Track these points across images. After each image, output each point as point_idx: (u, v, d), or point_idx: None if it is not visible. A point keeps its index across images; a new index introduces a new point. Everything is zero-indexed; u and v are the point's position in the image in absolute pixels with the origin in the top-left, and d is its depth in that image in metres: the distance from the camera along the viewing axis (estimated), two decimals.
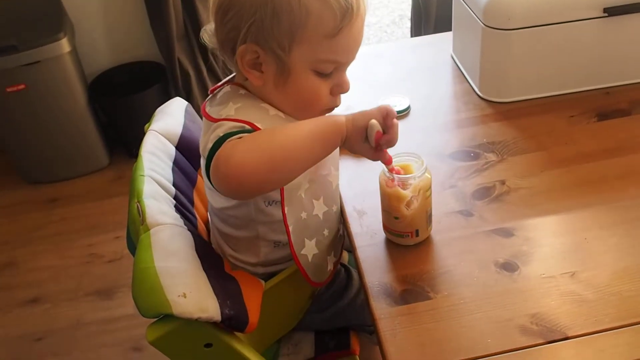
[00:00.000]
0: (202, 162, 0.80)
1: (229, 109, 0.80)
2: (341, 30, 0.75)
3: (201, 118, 0.85)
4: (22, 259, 1.96)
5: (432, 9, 1.95)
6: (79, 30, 2.14)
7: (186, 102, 1.07)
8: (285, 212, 0.83)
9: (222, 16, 0.78)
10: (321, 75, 0.79)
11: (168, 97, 2.34)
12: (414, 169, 0.83)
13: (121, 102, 2.15)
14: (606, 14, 1.06)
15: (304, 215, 0.85)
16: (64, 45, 1.95)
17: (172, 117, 1.02)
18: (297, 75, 0.78)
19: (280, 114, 0.82)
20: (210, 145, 0.75)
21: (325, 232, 0.90)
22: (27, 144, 2.13)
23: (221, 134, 0.75)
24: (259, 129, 0.77)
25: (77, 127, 2.13)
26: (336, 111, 1.02)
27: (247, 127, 0.77)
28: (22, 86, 1.96)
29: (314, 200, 0.87)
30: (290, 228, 0.84)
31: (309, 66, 0.78)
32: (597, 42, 1.10)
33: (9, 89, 1.95)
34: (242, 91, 0.83)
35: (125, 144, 2.29)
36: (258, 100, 0.82)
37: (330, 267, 0.93)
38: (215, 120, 0.79)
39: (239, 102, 0.81)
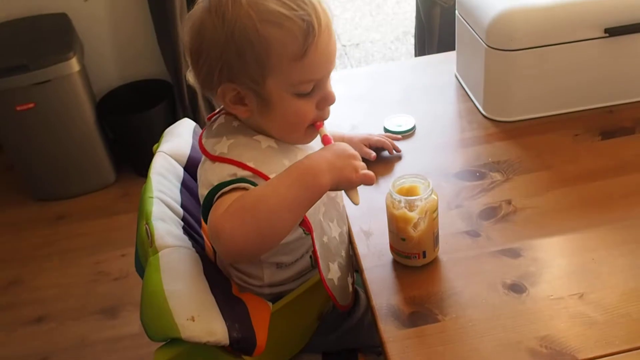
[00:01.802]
0: (200, 198, 0.81)
1: (222, 144, 0.81)
2: (308, 50, 0.75)
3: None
4: (28, 276, 1.97)
5: (435, 27, 1.97)
6: (88, 49, 2.17)
7: (194, 123, 1.08)
8: (314, 238, 0.83)
9: (194, 62, 0.80)
10: (303, 95, 0.79)
11: (175, 115, 2.36)
12: (420, 191, 0.83)
13: (128, 120, 2.16)
14: (607, 34, 1.07)
15: (325, 239, 0.86)
16: (74, 64, 1.97)
17: (180, 138, 1.03)
18: (278, 102, 0.79)
19: (273, 144, 0.83)
20: (205, 192, 0.78)
21: (343, 253, 0.91)
22: (35, 161, 2.15)
23: (215, 183, 0.77)
24: (250, 168, 0.78)
25: (84, 144, 2.15)
26: (340, 128, 1.03)
27: (239, 172, 0.78)
28: (32, 105, 1.98)
29: (329, 223, 0.88)
30: (319, 254, 0.84)
31: (288, 91, 0.78)
32: (599, 61, 1.11)
33: (19, 108, 1.97)
34: (235, 122, 0.84)
35: (132, 161, 2.31)
36: (250, 132, 0.83)
37: (350, 288, 0.93)
38: (210, 156, 0.81)
39: (232, 137, 0.82)
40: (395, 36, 3.20)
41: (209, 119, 0.89)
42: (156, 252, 0.81)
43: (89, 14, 2.15)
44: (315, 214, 0.84)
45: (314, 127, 0.83)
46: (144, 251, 0.84)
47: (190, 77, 0.84)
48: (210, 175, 0.80)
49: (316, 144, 0.86)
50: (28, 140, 2.08)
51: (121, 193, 2.26)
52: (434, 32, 1.98)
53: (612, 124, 1.11)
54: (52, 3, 2.11)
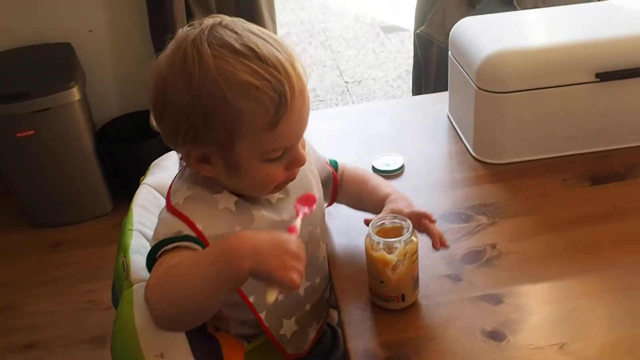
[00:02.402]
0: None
1: (181, 194, 0.79)
2: (280, 121, 0.72)
3: None
4: (21, 302, 1.96)
5: (432, 67, 1.98)
6: (91, 78, 2.20)
7: None
8: (251, 301, 0.82)
9: (158, 119, 0.77)
10: (272, 160, 0.76)
11: None
12: (400, 233, 0.82)
13: (127, 150, 2.18)
14: (598, 79, 1.07)
15: (280, 297, 0.84)
16: (75, 93, 1.99)
17: (166, 171, 1.03)
18: (247, 167, 0.76)
19: (232, 206, 0.79)
20: (151, 244, 0.77)
21: (307, 306, 0.89)
22: (33, 188, 2.15)
23: (160, 237, 0.75)
24: (197, 230, 0.76)
25: (83, 173, 2.16)
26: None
27: (185, 230, 0.75)
28: (31, 132, 1.99)
29: None
30: (262, 315, 0.83)
31: (257, 157, 0.75)
32: (590, 106, 1.10)
33: (19, 134, 1.99)
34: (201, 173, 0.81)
35: (129, 191, 2.29)
36: (213, 187, 0.80)
37: (312, 335, 0.92)
38: (168, 204, 0.79)
39: (192, 188, 0.79)
40: (398, 74, 3.23)
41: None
42: (131, 285, 0.80)
43: (93, 44, 2.19)
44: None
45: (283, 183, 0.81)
46: (119, 284, 0.84)
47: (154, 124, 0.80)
48: (159, 226, 0.78)
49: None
50: (27, 167, 2.09)
51: (117, 223, 2.23)
52: (431, 72, 1.99)
53: (604, 169, 1.10)
54: (57, 33, 2.14)
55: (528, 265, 0.91)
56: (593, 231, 0.96)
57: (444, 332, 0.81)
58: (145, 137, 2.16)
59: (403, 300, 0.84)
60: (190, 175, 0.82)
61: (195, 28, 0.73)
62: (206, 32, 0.72)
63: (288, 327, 0.86)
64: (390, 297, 0.83)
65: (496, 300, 0.85)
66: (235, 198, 0.80)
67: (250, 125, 0.72)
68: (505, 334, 0.80)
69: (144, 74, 2.62)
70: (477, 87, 1.10)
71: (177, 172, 1.04)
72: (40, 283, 2.02)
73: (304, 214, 0.80)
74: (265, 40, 0.72)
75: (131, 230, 0.89)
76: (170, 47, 0.74)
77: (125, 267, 0.82)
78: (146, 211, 0.94)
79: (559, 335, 0.79)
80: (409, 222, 0.82)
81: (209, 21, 0.74)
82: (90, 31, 2.17)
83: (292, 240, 0.69)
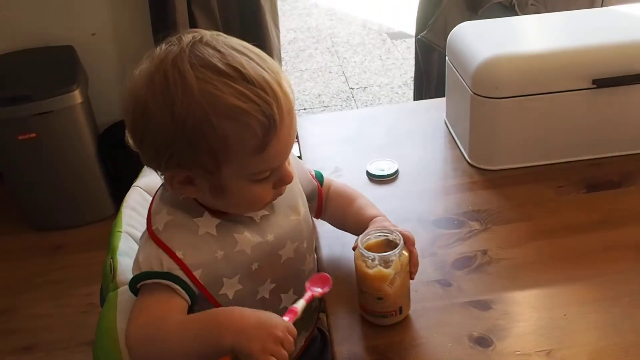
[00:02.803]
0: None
1: (161, 218, 0.77)
2: (268, 144, 0.70)
3: None
4: (20, 305, 1.96)
5: (433, 73, 1.98)
6: (93, 81, 2.21)
7: None
8: None
9: (137, 143, 0.74)
10: (260, 180, 0.74)
11: None
12: (389, 246, 0.80)
13: (130, 154, 2.16)
14: (595, 86, 1.06)
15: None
16: (77, 96, 2.00)
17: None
18: (233, 188, 0.74)
19: (213, 230, 0.78)
20: (133, 269, 0.76)
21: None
22: (35, 191, 2.16)
23: (142, 266, 0.75)
24: (177, 259, 0.74)
25: (85, 176, 2.17)
26: (323, 170, 1.00)
27: (165, 260, 0.74)
28: (33, 135, 2.01)
29: (281, 295, 0.86)
30: None
31: (244, 179, 0.73)
32: (586, 113, 1.09)
33: (20, 137, 2.00)
34: (183, 196, 0.78)
35: None
36: (193, 210, 0.78)
37: (301, 343, 0.92)
38: (149, 228, 0.78)
39: (173, 213, 0.77)
40: (404, 81, 3.22)
41: None
42: (116, 287, 0.80)
43: (96, 47, 2.21)
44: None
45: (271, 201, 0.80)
46: (106, 285, 0.84)
47: (131, 143, 0.77)
48: (140, 252, 0.77)
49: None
50: (28, 170, 2.10)
51: None
52: (432, 78, 1.99)
53: (598, 177, 1.09)
54: (60, 35, 2.16)
55: (518, 271, 0.90)
56: (585, 239, 0.95)
57: (431, 337, 0.80)
58: None
59: (400, 312, 0.82)
60: (170, 196, 0.79)
61: (174, 45, 0.70)
62: (187, 51, 0.68)
63: None
64: (387, 312, 0.81)
65: (485, 306, 0.84)
66: (217, 221, 0.78)
67: (237, 149, 0.69)
68: (492, 340, 0.79)
69: None
70: (473, 92, 1.10)
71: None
72: (40, 286, 2.02)
73: (312, 296, 0.78)
74: (250, 58, 0.70)
75: (120, 232, 0.89)
76: (147, 66, 0.71)
77: (112, 269, 0.82)
78: (135, 213, 0.94)
79: (547, 341, 0.78)
80: (397, 232, 0.81)
81: (187, 37, 0.71)
82: (93, 34, 2.19)
83: (280, 324, 0.69)
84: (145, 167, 1.06)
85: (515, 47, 1.12)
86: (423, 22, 2.01)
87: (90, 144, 2.12)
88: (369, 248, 0.80)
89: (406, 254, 0.80)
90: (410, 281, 0.84)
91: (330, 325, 0.84)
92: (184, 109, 0.67)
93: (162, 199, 0.80)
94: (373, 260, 0.79)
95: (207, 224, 0.77)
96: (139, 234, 0.91)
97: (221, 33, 0.73)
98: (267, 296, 0.84)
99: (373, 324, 0.83)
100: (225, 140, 0.68)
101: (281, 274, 0.84)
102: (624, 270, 0.88)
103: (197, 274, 0.75)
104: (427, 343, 0.80)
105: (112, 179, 2.27)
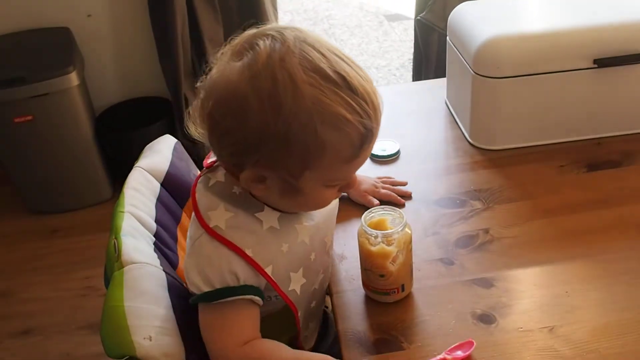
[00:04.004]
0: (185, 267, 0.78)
1: (219, 215, 0.74)
2: (359, 155, 0.70)
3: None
4: (18, 288, 1.96)
5: (432, 54, 1.97)
6: (90, 64, 2.19)
7: (175, 140, 1.07)
8: (299, 316, 0.83)
9: (217, 139, 0.71)
10: (332, 186, 0.74)
11: (174, 133, 2.38)
12: (391, 223, 0.81)
13: (127, 136, 2.17)
14: (596, 65, 1.06)
15: (313, 304, 0.87)
16: (73, 78, 1.98)
17: (159, 154, 1.02)
18: (308, 191, 0.72)
19: (275, 223, 0.76)
20: (195, 278, 0.74)
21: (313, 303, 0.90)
22: (32, 174, 2.15)
23: (213, 287, 0.73)
24: (248, 257, 0.73)
25: (82, 159, 2.15)
26: None
27: (237, 266, 0.73)
28: (29, 117, 1.99)
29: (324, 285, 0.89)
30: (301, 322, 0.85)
31: (321, 184, 0.72)
32: (587, 92, 1.10)
33: (16, 120, 1.98)
34: (237, 189, 0.76)
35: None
36: (253, 205, 0.75)
37: (314, 337, 0.94)
38: (206, 227, 0.74)
39: (232, 209, 0.74)
40: (401, 63, 3.21)
41: (208, 166, 0.80)
42: (121, 267, 0.80)
43: (92, 29, 2.18)
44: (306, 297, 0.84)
45: None
46: (110, 266, 0.83)
47: (192, 131, 0.74)
48: (204, 260, 0.74)
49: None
50: (25, 153, 2.08)
51: None
52: (431, 59, 1.98)
53: (599, 157, 1.09)
54: (55, 17, 2.13)
55: (520, 250, 0.91)
56: (586, 217, 0.96)
57: (435, 315, 0.81)
58: (146, 124, 2.15)
59: (403, 290, 0.83)
60: (221, 190, 0.76)
61: (277, 41, 0.67)
62: (296, 52, 0.66)
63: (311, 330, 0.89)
64: (390, 289, 0.82)
65: (487, 284, 0.85)
66: (277, 214, 0.77)
67: (330, 157, 0.68)
68: (495, 317, 0.80)
69: (143, 60, 2.61)
70: (474, 72, 1.10)
71: (170, 155, 1.04)
72: (37, 269, 2.02)
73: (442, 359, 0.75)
74: (349, 65, 0.68)
75: (122, 212, 0.88)
76: (248, 60, 0.67)
77: (117, 249, 0.82)
78: (138, 193, 0.93)
79: (549, 318, 0.79)
80: (399, 210, 0.82)
81: (290, 33, 0.68)
82: (89, 15, 2.16)
83: None
84: (146, 148, 1.06)
85: (517, 27, 1.12)
86: (422, 3, 2.00)
87: (87, 127, 2.11)
88: (372, 226, 0.81)
89: (409, 232, 0.81)
90: (413, 260, 0.85)
91: (334, 304, 0.85)
92: (291, 114, 0.65)
93: (213, 193, 0.76)
94: (376, 237, 0.79)
95: (270, 218, 0.76)
96: (141, 214, 0.91)
97: (302, 29, 0.70)
98: (317, 287, 0.85)
99: (377, 302, 0.84)
100: (322, 148, 0.67)
101: (327, 263, 0.86)
102: (624, 249, 0.89)
103: (268, 270, 0.75)
104: (431, 320, 0.80)
105: (109, 161, 2.26)
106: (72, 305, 1.87)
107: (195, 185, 0.79)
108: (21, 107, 1.96)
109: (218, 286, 0.73)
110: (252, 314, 0.77)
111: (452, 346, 0.76)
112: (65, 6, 2.13)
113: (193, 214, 0.77)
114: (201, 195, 0.77)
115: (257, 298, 0.75)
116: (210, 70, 0.72)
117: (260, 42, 0.67)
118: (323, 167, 0.69)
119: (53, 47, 2.07)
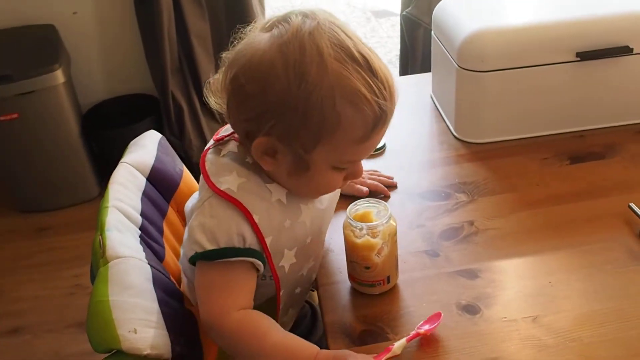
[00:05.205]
0: (187, 232, 0.79)
1: (231, 180, 0.75)
2: (370, 136, 0.72)
3: (197, 165, 0.81)
4: (6, 287, 1.95)
5: (418, 49, 1.98)
6: (75, 61, 2.18)
7: (160, 135, 1.07)
8: (281, 295, 0.83)
9: (237, 103, 0.73)
10: (340, 169, 0.76)
11: (161, 131, 2.38)
12: (375, 215, 0.82)
13: (114, 134, 2.16)
14: (579, 59, 1.07)
15: (297, 290, 0.88)
16: (59, 76, 1.97)
17: (144, 149, 1.02)
18: (315, 171, 0.74)
19: (283, 197, 0.78)
20: (199, 235, 0.74)
21: (298, 289, 0.90)
22: (18, 173, 2.14)
23: (218, 245, 0.73)
24: (254, 222, 0.74)
25: (69, 157, 2.14)
26: None
27: (245, 229, 0.74)
28: (15, 115, 1.98)
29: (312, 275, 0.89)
30: (281, 305, 0.85)
31: (329, 163, 0.74)
32: (570, 85, 1.11)
33: (2, 118, 1.97)
34: (249, 159, 0.77)
35: None
36: (264, 176, 0.77)
37: (291, 323, 0.94)
38: (215, 189, 0.75)
39: (244, 175, 0.76)
40: (388, 59, 3.22)
41: (218, 140, 0.81)
42: (107, 262, 0.80)
43: (77, 26, 2.17)
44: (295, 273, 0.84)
45: None
46: (96, 262, 0.83)
47: (211, 101, 0.77)
48: (211, 219, 0.74)
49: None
50: (11, 151, 2.07)
51: None
52: (417, 54, 1.99)
53: (582, 149, 1.10)
54: (40, 14, 2.12)
55: (505, 241, 0.91)
56: (569, 209, 0.97)
57: (420, 306, 0.82)
58: (133, 121, 2.14)
59: (388, 282, 0.84)
60: (236, 157, 0.78)
61: (309, 18, 0.69)
62: (325, 28, 0.68)
63: (290, 316, 0.89)
64: (376, 281, 0.83)
65: (472, 275, 0.86)
66: (285, 190, 0.78)
67: (344, 134, 0.70)
68: (480, 307, 0.80)
69: (130, 57, 2.60)
70: (458, 66, 1.10)
71: (155, 150, 1.03)
72: (25, 268, 2.01)
73: (415, 335, 0.76)
74: (372, 52, 0.71)
75: (107, 207, 0.88)
76: (278, 31, 0.70)
77: (102, 245, 0.82)
78: (123, 187, 0.93)
79: (533, 308, 0.80)
80: (384, 203, 0.82)
81: (322, 15, 0.70)
82: (74, 13, 2.15)
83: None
84: (131, 143, 1.05)
85: (501, 21, 1.13)
86: None
87: (73, 125, 2.10)
88: (357, 218, 0.81)
89: (394, 224, 0.81)
90: (399, 252, 0.85)
91: (321, 295, 0.85)
92: (314, 83, 0.67)
93: (227, 161, 0.77)
94: (361, 229, 0.80)
95: (279, 191, 0.78)
96: (126, 207, 0.90)
97: (332, 14, 0.73)
98: (305, 273, 0.86)
99: (363, 294, 0.84)
100: (338, 122, 0.68)
101: (318, 252, 0.87)
102: (607, 239, 0.90)
103: (267, 240, 0.76)
104: (416, 312, 0.81)
105: (96, 159, 2.25)
106: (61, 304, 1.86)
107: (205, 156, 0.80)
108: (6, 105, 1.95)
109: (223, 245, 0.74)
110: (251, 281, 0.77)
111: (422, 322, 0.78)
112: (50, 3, 2.12)
113: (201, 180, 0.78)
114: (211, 164, 0.78)
115: (258, 262, 0.76)
116: (235, 44, 0.74)
117: (292, 17, 0.70)
118: (335, 143, 0.71)
119: (38, 45, 2.06)
